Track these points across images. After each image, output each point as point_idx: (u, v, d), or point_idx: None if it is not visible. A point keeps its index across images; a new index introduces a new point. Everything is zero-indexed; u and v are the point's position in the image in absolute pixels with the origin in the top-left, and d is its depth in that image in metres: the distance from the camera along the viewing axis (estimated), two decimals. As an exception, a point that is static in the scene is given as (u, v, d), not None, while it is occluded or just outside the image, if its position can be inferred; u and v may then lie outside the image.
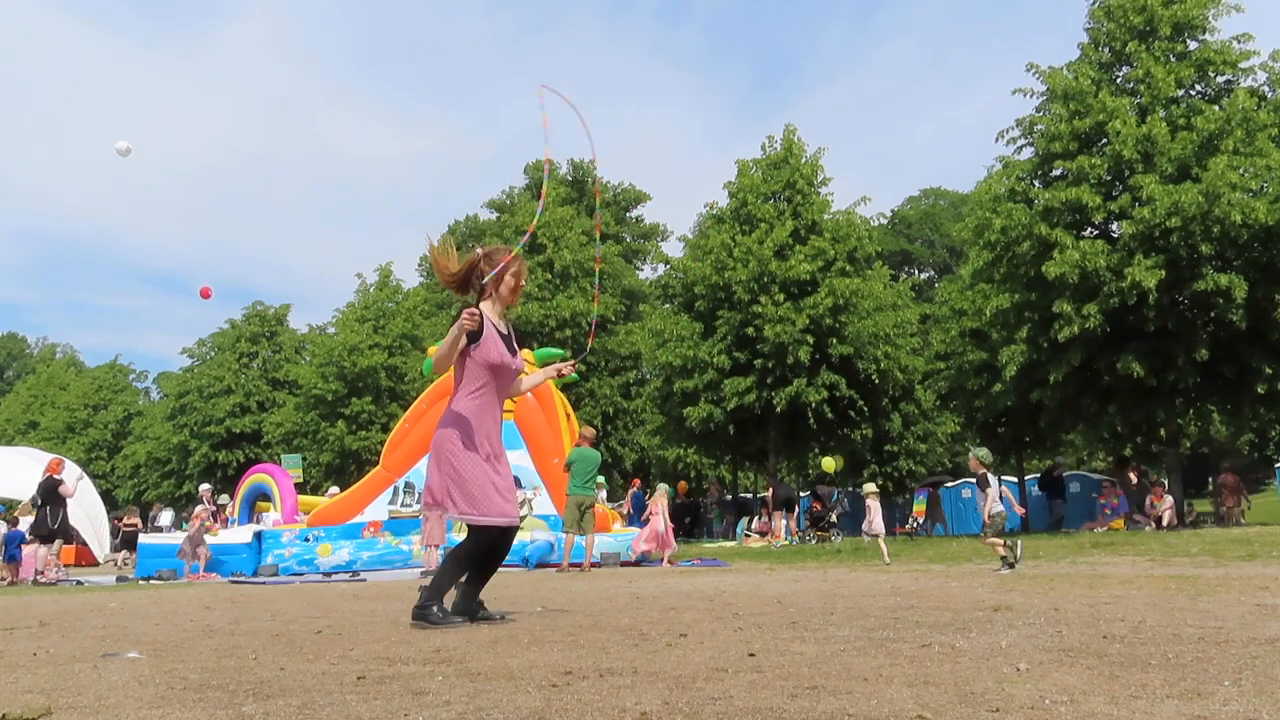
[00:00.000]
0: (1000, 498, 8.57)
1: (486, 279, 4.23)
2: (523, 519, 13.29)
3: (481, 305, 4.20)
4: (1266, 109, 16.55)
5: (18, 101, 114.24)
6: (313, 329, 40.80)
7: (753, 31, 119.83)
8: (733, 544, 18.94)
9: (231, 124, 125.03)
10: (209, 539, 13.71)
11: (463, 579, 4.31)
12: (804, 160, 23.06)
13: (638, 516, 18.67)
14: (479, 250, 4.31)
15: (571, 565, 10.90)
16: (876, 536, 11.17)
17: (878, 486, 11.28)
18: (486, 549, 4.27)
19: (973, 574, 7.35)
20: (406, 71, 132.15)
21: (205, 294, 14.84)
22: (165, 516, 24.18)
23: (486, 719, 2.11)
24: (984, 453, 8.93)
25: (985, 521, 8.61)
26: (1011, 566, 7.85)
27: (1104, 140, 17.31)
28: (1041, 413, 18.99)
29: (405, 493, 14.55)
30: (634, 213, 50.73)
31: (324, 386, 30.70)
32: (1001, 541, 8.20)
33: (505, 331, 4.26)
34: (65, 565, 14.95)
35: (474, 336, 4.09)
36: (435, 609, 4.12)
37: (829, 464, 21.71)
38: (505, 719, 2.11)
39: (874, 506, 11.62)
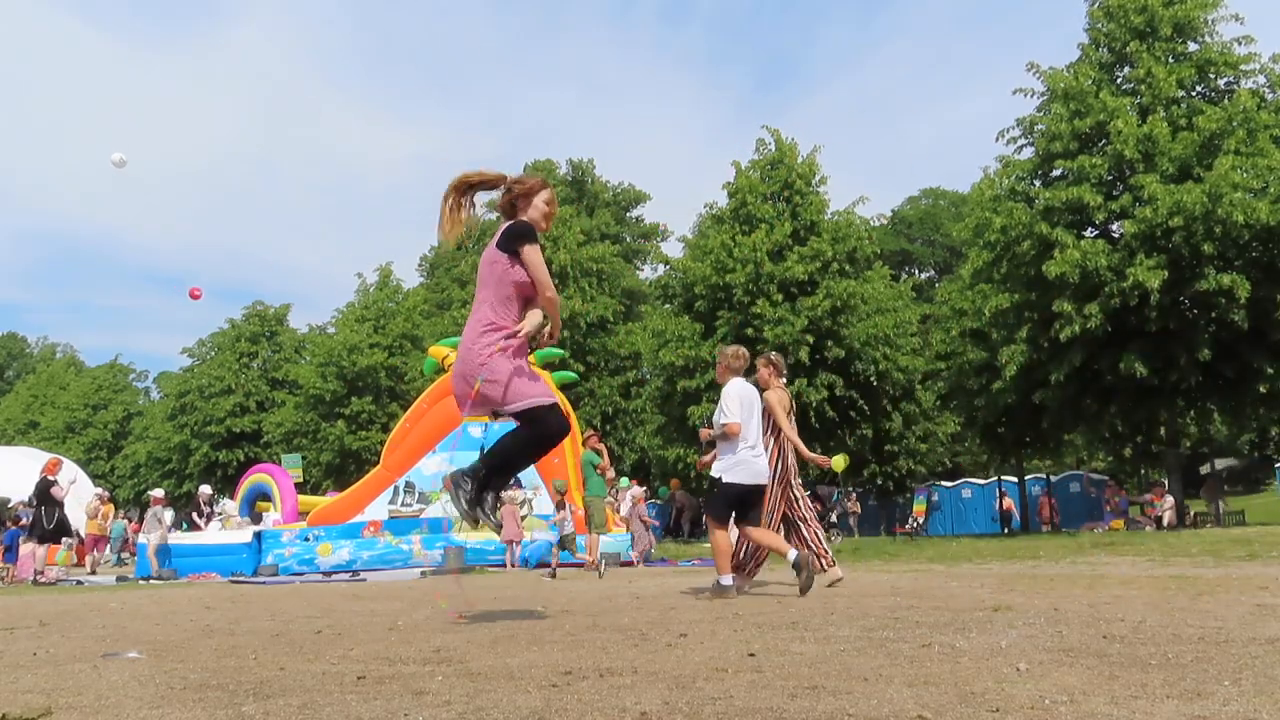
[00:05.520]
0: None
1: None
2: (523, 519, 13.40)
3: None
4: (1268, 110, 16.55)
5: (18, 101, 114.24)
6: (313, 329, 40.79)
7: (754, 32, 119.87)
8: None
9: (232, 124, 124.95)
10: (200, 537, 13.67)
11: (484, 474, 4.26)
12: (800, 159, 23.02)
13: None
14: (508, 175, 4.56)
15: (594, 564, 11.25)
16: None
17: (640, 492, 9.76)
18: (537, 438, 4.23)
19: (973, 574, 7.35)
20: (408, 72, 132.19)
21: (195, 294, 14.76)
22: (166, 516, 24.12)
23: (486, 719, 2.11)
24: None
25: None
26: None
27: (1104, 140, 17.31)
28: (1043, 413, 18.97)
29: (405, 492, 14.53)
30: (634, 213, 50.68)
31: (324, 386, 30.70)
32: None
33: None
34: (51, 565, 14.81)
35: (514, 253, 4.28)
36: (470, 487, 4.15)
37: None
38: (505, 719, 2.11)
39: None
